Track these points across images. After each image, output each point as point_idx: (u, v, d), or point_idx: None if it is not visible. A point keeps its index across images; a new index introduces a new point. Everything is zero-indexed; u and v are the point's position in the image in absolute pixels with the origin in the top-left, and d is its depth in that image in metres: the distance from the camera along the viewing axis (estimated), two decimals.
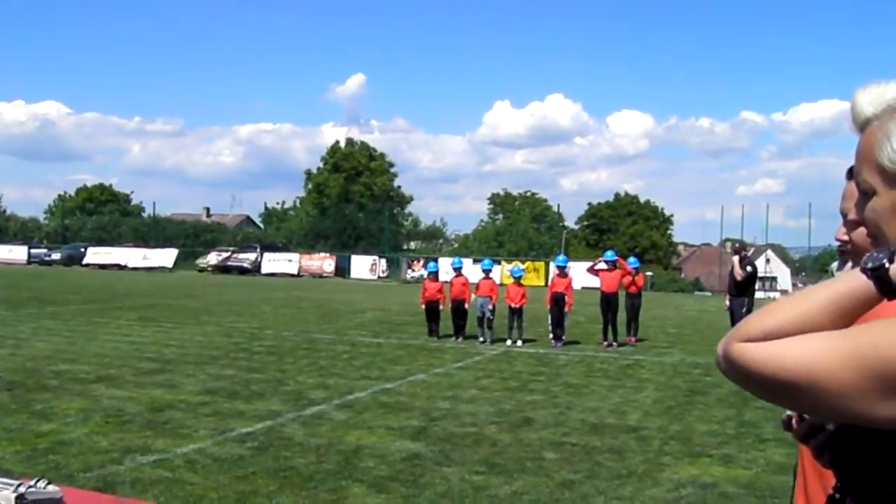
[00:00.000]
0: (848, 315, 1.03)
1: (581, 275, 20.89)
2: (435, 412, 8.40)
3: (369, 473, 6.06)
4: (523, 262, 33.79)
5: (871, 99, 1.13)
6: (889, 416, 0.97)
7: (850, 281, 1.06)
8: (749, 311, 13.46)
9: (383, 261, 44.79)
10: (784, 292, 39.32)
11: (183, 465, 6.14)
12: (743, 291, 13.62)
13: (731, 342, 1.05)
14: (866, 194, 1.14)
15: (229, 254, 47.07)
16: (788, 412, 1.27)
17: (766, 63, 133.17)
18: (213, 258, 46.75)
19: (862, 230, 1.45)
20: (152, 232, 55.39)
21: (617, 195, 68.41)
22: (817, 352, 0.99)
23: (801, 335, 1.01)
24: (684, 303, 31.26)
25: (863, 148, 1.13)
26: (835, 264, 12.73)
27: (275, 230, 61.93)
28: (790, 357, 1.00)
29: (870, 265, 1.05)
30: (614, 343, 14.69)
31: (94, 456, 6.32)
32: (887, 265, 1.04)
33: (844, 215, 1.53)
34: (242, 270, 44.68)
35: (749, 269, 13.61)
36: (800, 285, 51.71)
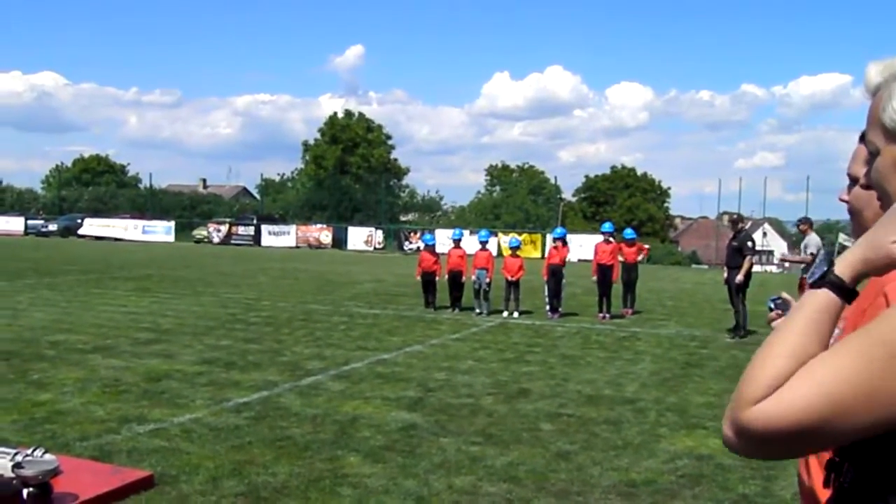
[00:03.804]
0: (829, 331, 1.06)
1: (577, 248, 20.90)
2: (431, 383, 8.42)
3: (365, 443, 6.08)
4: (520, 234, 33.77)
5: (880, 69, 1.19)
6: None
7: (814, 299, 1.08)
8: (747, 277, 13.42)
9: (379, 232, 44.76)
10: (781, 262, 39.39)
11: (179, 434, 6.16)
12: (740, 262, 13.58)
13: (739, 413, 1.01)
14: (873, 156, 1.19)
15: (228, 228, 46.87)
16: None
17: (767, 36, 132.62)
18: (214, 235, 46.51)
19: (858, 190, 1.50)
20: (149, 203, 55.28)
21: (614, 168, 68.18)
22: (827, 376, 0.98)
23: (801, 370, 0.99)
24: (681, 275, 31.28)
25: (871, 112, 1.19)
26: (804, 242, 12.78)
27: (271, 202, 61.80)
28: (807, 396, 0.97)
29: (815, 279, 1.09)
30: (607, 315, 14.72)
31: (90, 425, 6.33)
32: (830, 269, 1.09)
33: (851, 178, 1.57)
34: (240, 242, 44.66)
35: (736, 243, 13.67)
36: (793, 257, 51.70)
